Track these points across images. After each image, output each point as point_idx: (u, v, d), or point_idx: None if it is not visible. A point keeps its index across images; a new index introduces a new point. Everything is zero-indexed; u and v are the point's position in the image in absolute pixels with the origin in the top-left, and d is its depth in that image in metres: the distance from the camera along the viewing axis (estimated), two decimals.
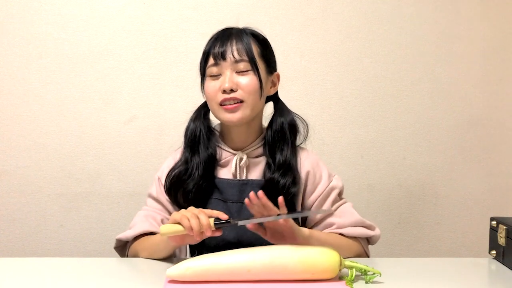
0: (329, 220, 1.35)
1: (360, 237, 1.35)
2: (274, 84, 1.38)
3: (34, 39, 1.92)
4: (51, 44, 1.93)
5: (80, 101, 1.95)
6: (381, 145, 2.03)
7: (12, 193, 1.95)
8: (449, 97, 2.04)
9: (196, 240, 1.13)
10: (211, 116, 1.40)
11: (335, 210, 1.37)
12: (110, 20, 1.94)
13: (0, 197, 1.95)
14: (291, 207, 1.33)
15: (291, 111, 1.39)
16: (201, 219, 1.11)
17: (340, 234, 1.33)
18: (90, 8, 1.93)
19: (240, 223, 1.11)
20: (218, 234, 1.14)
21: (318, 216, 1.36)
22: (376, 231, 1.37)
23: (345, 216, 1.35)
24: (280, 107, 1.39)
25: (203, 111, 1.39)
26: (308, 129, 1.38)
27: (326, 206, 1.36)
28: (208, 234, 1.12)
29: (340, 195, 1.39)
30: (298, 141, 1.39)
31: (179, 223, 1.13)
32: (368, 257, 1.37)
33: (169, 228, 1.15)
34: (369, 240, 1.38)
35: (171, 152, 1.44)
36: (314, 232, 1.26)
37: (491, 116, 2.06)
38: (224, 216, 1.13)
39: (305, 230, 1.23)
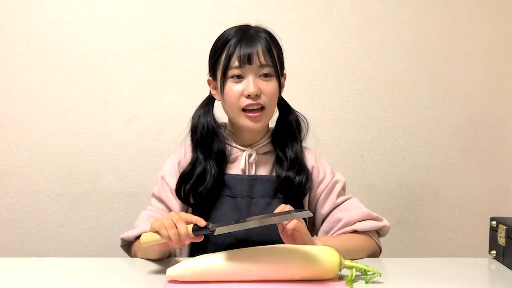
0: (337, 215, 1.36)
1: (371, 231, 1.36)
2: (283, 85, 1.39)
3: (34, 39, 1.92)
4: (51, 44, 1.93)
5: (80, 101, 1.95)
6: (381, 145, 2.03)
7: (12, 193, 1.95)
8: (449, 97, 2.04)
9: (176, 247, 1.14)
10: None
11: (334, 207, 1.38)
12: (110, 20, 1.94)
13: (0, 197, 1.95)
14: (300, 205, 1.36)
15: (294, 110, 1.41)
16: (179, 228, 1.10)
17: (353, 231, 1.34)
18: (90, 8, 1.93)
19: (217, 230, 1.10)
20: (197, 240, 1.14)
21: (324, 211, 1.37)
22: (385, 222, 1.37)
23: (352, 210, 1.36)
24: (287, 108, 1.41)
25: (210, 107, 1.38)
26: (308, 127, 1.41)
27: (331, 198, 1.37)
28: (187, 242, 1.12)
29: (344, 190, 1.41)
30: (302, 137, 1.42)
31: (158, 232, 1.13)
32: (381, 250, 1.37)
33: (149, 237, 1.16)
34: (379, 233, 1.38)
35: (171, 151, 1.44)
36: (325, 241, 1.26)
37: (491, 116, 2.06)
38: (202, 223, 1.11)
39: (316, 240, 1.23)
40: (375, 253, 1.36)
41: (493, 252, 1.33)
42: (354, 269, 1.12)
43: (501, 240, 1.28)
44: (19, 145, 1.94)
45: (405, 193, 2.05)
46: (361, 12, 1.99)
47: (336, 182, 1.39)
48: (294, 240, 1.19)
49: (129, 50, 1.95)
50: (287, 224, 1.16)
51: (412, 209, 2.06)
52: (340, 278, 1.13)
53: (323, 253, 1.12)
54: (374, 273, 1.13)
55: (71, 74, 1.94)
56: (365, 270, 1.13)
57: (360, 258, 1.30)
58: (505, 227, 1.27)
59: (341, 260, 1.12)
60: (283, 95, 1.44)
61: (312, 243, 1.20)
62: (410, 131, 2.04)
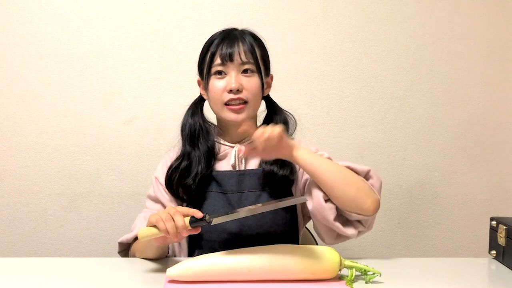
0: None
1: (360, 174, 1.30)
2: (269, 85, 1.44)
3: (34, 39, 1.92)
4: (51, 44, 1.93)
5: (80, 101, 1.95)
6: (381, 145, 2.03)
7: (12, 193, 1.95)
8: (449, 97, 2.04)
9: (174, 240, 1.14)
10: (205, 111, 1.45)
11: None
12: (110, 20, 1.94)
13: (0, 197, 1.95)
14: (288, 195, 1.37)
15: (282, 109, 1.45)
16: (176, 221, 1.11)
17: None
18: (90, 8, 1.93)
19: (214, 221, 1.11)
20: (195, 232, 1.15)
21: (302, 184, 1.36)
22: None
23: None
24: (273, 106, 1.45)
25: (199, 106, 1.44)
26: (296, 124, 1.43)
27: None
28: (184, 234, 1.13)
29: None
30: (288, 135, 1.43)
31: (155, 226, 1.14)
32: (379, 199, 1.27)
33: (147, 232, 1.16)
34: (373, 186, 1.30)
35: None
36: (309, 153, 1.27)
37: (491, 116, 2.06)
38: (198, 214, 1.12)
39: (298, 146, 1.26)
40: (371, 197, 1.25)
41: (493, 252, 1.33)
42: (354, 269, 1.13)
43: (501, 240, 1.28)
44: (19, 145, 1.94)
45: (405, 193, 2.05)
46: (361, 12, 1.99)
47: (319, 153, 1.37)
48: (277, 151, 1.21)
49: (129, 50, 1.95)
50: (263, 136, 1.17)
51: (412, 209, 2.06)
52: (340, 278, 1.14)
53: (323, 253, 1.12)
54: (374, 273, 1.13)
55: (71, 74, 1.94)
56: (365, 270, 1.13)
57: (354, 198, 1.22)
58: (505, 227, 1.27)
59: (341, 260, 1.12)
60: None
61: (295, 148, 1.23)
62: (410, 131, 2.04)
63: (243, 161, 1.38)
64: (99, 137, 1.96)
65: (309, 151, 1.28)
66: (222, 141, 1.41)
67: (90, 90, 1.95)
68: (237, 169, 1.37)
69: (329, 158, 1.37)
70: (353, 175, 1.27)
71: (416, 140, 2.04)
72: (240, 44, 1.34)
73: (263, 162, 1.37)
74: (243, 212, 1.12)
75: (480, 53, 2.04)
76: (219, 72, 1.34)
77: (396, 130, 2.03)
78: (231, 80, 1.32)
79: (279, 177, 1.34)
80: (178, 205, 1.37)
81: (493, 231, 1.33)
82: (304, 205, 1.39)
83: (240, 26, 1.42)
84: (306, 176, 1.37)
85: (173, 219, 1.12)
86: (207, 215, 1.12)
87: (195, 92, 1.49)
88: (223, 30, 1.39)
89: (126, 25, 1.94)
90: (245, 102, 1.33)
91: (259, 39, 1.40)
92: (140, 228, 1.19)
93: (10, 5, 1.91)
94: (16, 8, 1.92)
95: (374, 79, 2.01)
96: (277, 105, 1.45)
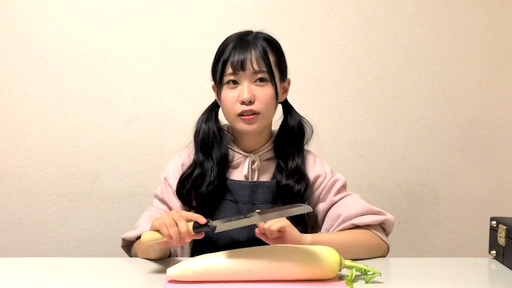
0: (336, 211, 1.35)
1: (372, 226, 1.33)
2: (286, 90, 1.41)
3: (34, 39, 1.92)
4: (51, 44, 1.93)
5: (80, 101, 1.95)
6: (381, 145, 2.03)
7: (12, 193, 1.95)
8: (449, 97, 2.04)
9: (177, 245, 1.14)
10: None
11: (333, 204, 1.37)
12: (110, 20, 1.94)
13: (0, 197, 1.95)
14: (300, 215, 1.33)
15: (299, 114, 1.42)
16: (179, 227, 1.10)
17: (353, 225, 1.32)
18: (90, 8, 1.93)
19: (218, 227, 1.10)
20: (198, 237, 1.14)
21: (322, 208, 1.37)
22: (388, 215, 1.35)
23: (351, 205, 1.34)
24: (290, 112, 1.42)
25: (213, 112, 1.40)
26: (312, 131, 1.42)
27: (330, 196, 1.37)
28: (187, 240, 1.12)
29: (344, 188, 1.40)
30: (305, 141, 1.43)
31: (159, 230, 1.13)
32: (388, 246, 1.34)
33: (150, 236, 1.16)
34: (384, 229, 1.36)
35: (171, 151, 1.45)
36: (318, 236, 1.26)
37: (491, 116, 2.06)
38: (202, 220, 1.11)
39: (307, 236, 1.23)
40: (381, 250, 1.33)
41: (493, 252, 1.33)
42: (354, 269, 1.12)
43: (501, 240, 1.28)
44: (19, 145, 1.94)
45: (405, 193, 2.05)
46: (361, 12, 1.99)
47: (335, 181, 1.39)
48: (282, 240, 1.18)
49: (129, 50, 1.95)
50: (268, 226, 1.15)
51: (412, 209, 2.06)
52: (340, 278, 1.13)
53: (323, 253, 1.12)
54: (374, 273, 1.13)
55: (71, 74, 1.94)
56: (365, 270, 1.13)
57: (366, 257, 1.29)
58: (505, 227, 1.27)
59: (341, 260, 1.12)
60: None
61: (303, 241, 1.20)
62: (410, 131, 2.04)
63: (256, 172, 1.36)
64: (99, 137, 1.95)
65: (319, 240, 1.24)
66: (236, 149, 1.38)
67: (90, 90, 1.95)
68: (250, 180, 1.35)
69: (344, 185, 1.40)
70: (363, 239, 1.30)
71: (416, 140, 2.04)
72: (252, 51, 1.29)
73: (278, 174, 1.35)
74: (248, 220, 1.11)
75: (480, 53, 2.04)
76: (232, 82, 1.30)
77: (396, 130, 2.03)
78: (243, 90, 1.28)
79: (294, 192, 1.32)
80: (185, 209, 1.35)
81: (493, 231, 1.33)
82: (311, 216, 1.39)
83: (243, 26, 1.39)
84: (319, 189, 1.38)
85: (176, 224, 1.11)
86: (210, 221, 1.12)
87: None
88: (237, 34, 1.34)
89: (126, 25, 1.94)
90: (258, 113, 1.30)
91: (274, 43, 1.35)
92: (144, 232, 1.19)
93: (10, 5, 1.91)
94: (16, 8, 1.92)
95: (374, 79, 2.01)
96: (294, 110, 1.42)
